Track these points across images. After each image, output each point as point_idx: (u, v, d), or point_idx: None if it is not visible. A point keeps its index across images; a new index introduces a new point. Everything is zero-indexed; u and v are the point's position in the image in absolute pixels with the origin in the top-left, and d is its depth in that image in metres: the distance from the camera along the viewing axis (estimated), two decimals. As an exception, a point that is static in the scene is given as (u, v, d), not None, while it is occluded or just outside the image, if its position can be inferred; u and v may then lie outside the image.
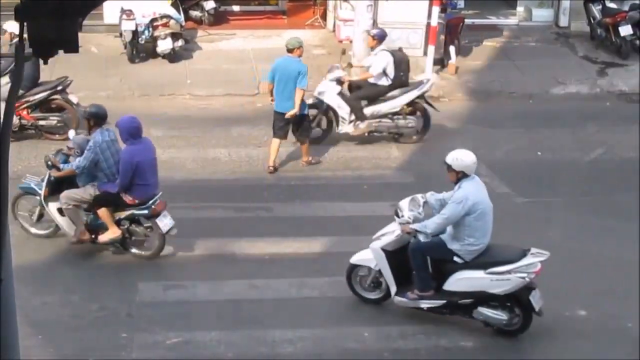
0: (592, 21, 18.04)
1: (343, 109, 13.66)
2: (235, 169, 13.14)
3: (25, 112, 13.38)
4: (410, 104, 13.81)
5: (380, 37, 13.79)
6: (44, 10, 3.73)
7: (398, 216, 9.31)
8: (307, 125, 13.19)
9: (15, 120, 12.85)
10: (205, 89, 15.78)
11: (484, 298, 9.07)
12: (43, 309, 9.56)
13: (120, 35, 16.66)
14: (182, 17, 17.02)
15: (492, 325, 9.24)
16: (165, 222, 10.34)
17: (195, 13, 18.48)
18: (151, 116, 14.70)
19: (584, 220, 11.86)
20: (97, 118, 10.41)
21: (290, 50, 12.78)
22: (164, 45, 16.53)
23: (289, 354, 8.95)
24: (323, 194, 12.34)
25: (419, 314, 9.44)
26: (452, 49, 16.76)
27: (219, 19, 18.70)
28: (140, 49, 16.81)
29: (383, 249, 9.32)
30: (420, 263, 9.19)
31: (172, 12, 16.74)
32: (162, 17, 16.56)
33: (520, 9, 19.57)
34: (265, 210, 12.00)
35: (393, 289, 9.37)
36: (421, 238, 9.08)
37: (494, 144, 14.09)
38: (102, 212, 10.31)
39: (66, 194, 10.37)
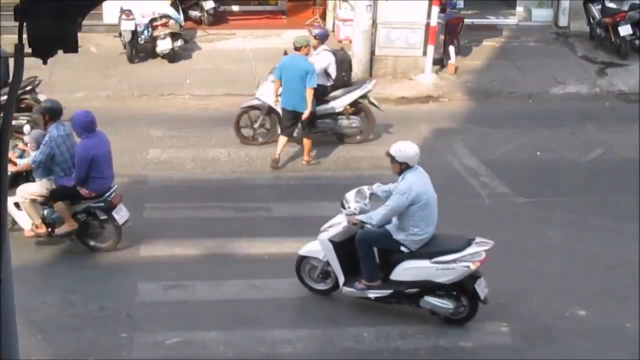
0: (592, 21, 18.04)
1: None
2: (234, 168, 13.14)
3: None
4: (354, 104, 13.71)
5: (322, 37, 13.64)
6: (44, 10, 3.72)
7: (344, 208, 9.43)
8: (314, 122, 13.18)
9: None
10: (204, 89, 15.77)
11: (430, 287, 9.20)
12: (43, 309, 9.55)
13: (120, 35, 16.66)
14: (181, 17, 17.03)
15: (438, 314, 9.35)
16: (121, 215, 10.51)
17: (194, 13, 18.48)
18: (151, 116, 14.74)
19: (584, 220, 11.86)
20: (52, 113, 10.54)
21: (297, 49, 12.85)
22: (164, 45, 16.53)
23: (288, 354, 8.95)
24: (323, 194, 12.32)
25: (418, 314, 9.44)
26: (451, 49, 16.76)
27: (218, 18, 18.70)
28: (139, 49, 16.82)
29: (331, 240, 9.46)
30: (367, 253, 9.34)
31: (171, 12, 16.74)
32: (161, 17, 16.57)
33: (519, 8, 19.57)
34: (264, 210, 11.99)
35: (341, 279, 9.51)
36: (367, 229, 9.24)
37: (493, 144, 14.09)
38: (59, 206, 10.43)
39: (23, 188, 10.50)
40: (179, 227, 11.32)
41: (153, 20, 16.54)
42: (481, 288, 9.12)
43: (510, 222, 11.70)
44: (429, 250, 9.13)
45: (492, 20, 19.44)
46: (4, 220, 3.96)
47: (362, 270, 9.38)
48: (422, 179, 9.19)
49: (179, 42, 16.76)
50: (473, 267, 9.00)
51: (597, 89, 16.40)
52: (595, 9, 17.91)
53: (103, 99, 15.31)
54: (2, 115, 3.94)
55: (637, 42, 17.46)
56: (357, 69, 16.19)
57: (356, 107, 13.80)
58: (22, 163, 10.66)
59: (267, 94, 13.51)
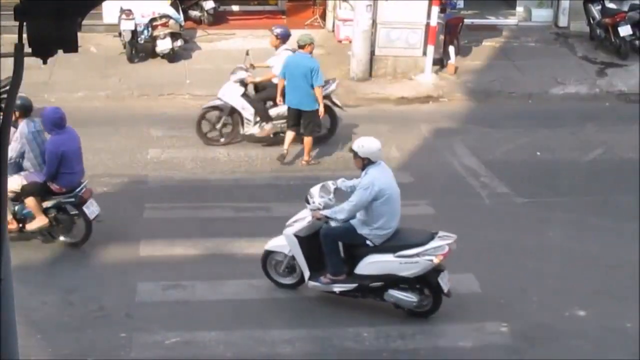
0: (592, 21, 18.04)
1: (247, 111, 13.54)
2: (234, 168, 13.14)
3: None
4: None
5: (284, 37, 13.58)
6: (44, 10, 3.72)
7: (309, 203, 9.50)
8: (317, 121, 13.15)
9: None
10: (204, 88, 15.74)
11: (394, 281, 9.28)
12: (43, 309, 9.55)
13: (120, 35, 16.66)
14: (181, 17, 17.02)
15: (403, 307, 9.40)
16: (91, 210, 10.57)
17: (194, 13, 18.48)
18: (150, 116, 14.73)
19: (584, 220, 11.86)
20: (23, 109, 10.52)
21: (301, 47, 12.85)
22: (163, 45, 16.53)
23: (288, 354, 8.95)
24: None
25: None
26: (451, 49, 16.76)
27: (218, 18, 18.70)
28: (139, 48, 16.82)
29: (296, 235, 9.53)
30: (332, 248, 9.41)
31: (171, 12, 16.74)
32: (161, 17, 16.57)
33: (519, 9, 19.57)
34: (264, 210, 11.98)
35: (306, 273, 9.57)
36: (332, 224, 9.33)
37: (493, 144, 14.09)
38: (30, 202, 10.47)
39: None
40: (178, 227, 11.31)
41: (153, 20, 16.54)
42: (444, 281, 9.21)
43: (510, 222, 11.70)
44: (392, 244, 9.23)
45: (492, 20, 19.44)
46: (4, 220, 3.95)
47: (327, 264, 9.47)
48: (385, 174, 9.30)
49: (179, 42, 16.76)
50: (436, 260, 9.08)
51: (597, 89, 16.40)
52: (595, 10, 17.91)
53: (103, 98, 15.32)
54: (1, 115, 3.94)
55: (637, 42, 17.46)
56: (357, 69, 16.21)
57: None
58: None
59: (229, 94, 13.50)
